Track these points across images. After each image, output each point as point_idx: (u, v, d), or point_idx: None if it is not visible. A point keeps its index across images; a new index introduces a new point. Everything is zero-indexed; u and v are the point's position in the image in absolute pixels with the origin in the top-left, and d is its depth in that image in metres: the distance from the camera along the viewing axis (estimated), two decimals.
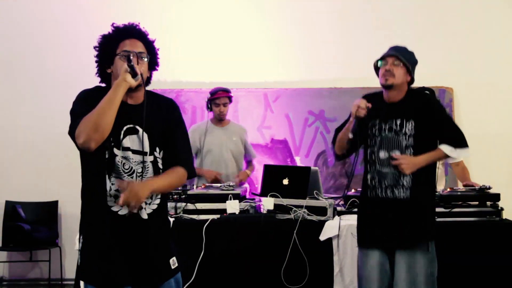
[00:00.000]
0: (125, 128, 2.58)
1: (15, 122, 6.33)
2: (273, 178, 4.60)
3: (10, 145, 6.33)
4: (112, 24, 2.68)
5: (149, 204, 2.64)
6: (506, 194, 4.41)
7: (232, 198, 4.37)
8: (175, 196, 4.46)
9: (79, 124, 2.46)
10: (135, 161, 2.59)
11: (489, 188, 4.33)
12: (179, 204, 4.39)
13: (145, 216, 2.61)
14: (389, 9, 6.40)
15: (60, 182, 6.24)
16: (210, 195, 4.47)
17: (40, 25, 6.38)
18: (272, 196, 4.39)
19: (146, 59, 2.63)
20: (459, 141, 3.39)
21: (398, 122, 3.35)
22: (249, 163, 5.49)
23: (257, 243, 4.22)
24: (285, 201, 4.34)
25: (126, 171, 2.58)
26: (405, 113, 3.35)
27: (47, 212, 6.16)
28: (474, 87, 6.26)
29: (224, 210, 4.33)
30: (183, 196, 4.46)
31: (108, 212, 2.57)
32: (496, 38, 6.32)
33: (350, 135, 3.34)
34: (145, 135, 2.60)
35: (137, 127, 2.59)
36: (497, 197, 4.28)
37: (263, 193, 4.52)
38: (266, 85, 6.37)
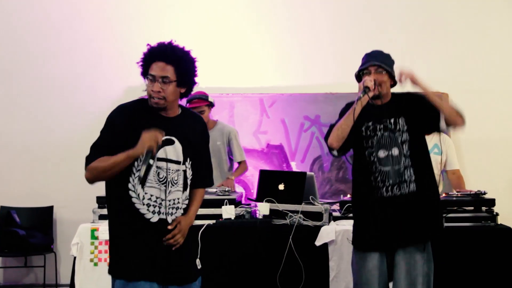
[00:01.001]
0: (162, 139, 2.74)
1: (11, 127, 6.32)
2: (268, 183, 4.60)
3: (5, 150, 6.31)
4: (148, 45, 2.86)
5: (179, 209, 2.87)
6: (501, 199, 4.43)
7: (227, 203, 4.37)
8: None
9: (91, 163, 2.72)
10: (171, 170, 2.81)
11: (484, 193, 4.33)
12: None
13: (170, 221, 2.82)
14: (384, 15, 6.43)
15: (55, 188, 6.23)
16: (206, 200, 4.43)
17: (37, 30, 6.39)
18: (267, 201, 4.39)
19: (169, 82, 2.78)
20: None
21: (392, 120, 3.39)
22: (239, 163, 5.39)
23: (252, 249, 4.22)
24: (280, 206, 4.34)
25: (161, 180, 2.79)
26: (395, 111, 3.40)
27: (42, 218, 6.14)
28: (469, 92, 6.27)
29: (220, 216, 4.33)
30: None
31: (141, 219, 2.77)
32: (492, 43, 6.35)
33: (361, 94, 3.28)
34: (180, 146, 2.83)
35: (173, 138, 2.81)
36: (492, 202, 4.29)
37: (259, 198, 4.52)
38: (262, 90, 6.38)
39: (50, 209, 6.18)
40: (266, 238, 4.22)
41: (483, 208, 4.30)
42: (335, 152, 3.47)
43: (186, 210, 2.89)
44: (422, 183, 3.34)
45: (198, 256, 3.07)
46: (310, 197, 4.42)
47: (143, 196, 2.76)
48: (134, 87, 6.28)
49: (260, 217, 4.36)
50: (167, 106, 2.81)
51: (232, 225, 4.27)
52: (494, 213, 4.27)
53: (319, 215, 4.28)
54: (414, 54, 6.27)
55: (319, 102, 6.32)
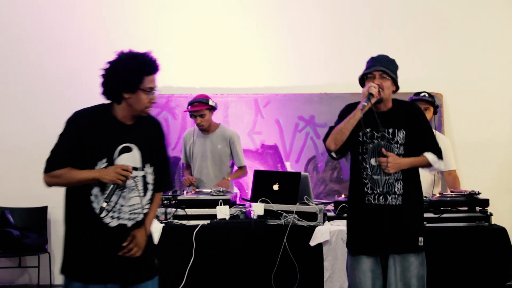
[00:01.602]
0: (120, 147, 2.83)
1: (5, 127, 6.30)
2: (263, 184, 4.61)
3: None
4: (134, 55, 2.88)
5: (140, 214, 2.89)
6: (495, 200, 4.45)
7: (222, 204, 4.37)
8: (165, 202, 4.46)
9: (55, 170, 2.79)
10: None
11: (478, 193, 4.35)
12: (169, 210, 4.39)
13: (129, 225, 2.86)
14: (379, 15, 6.44)
15: (50, 188, 6.19)
16: (200, 201, 4.47)
17: (32, 29, 6.36)
18: (262, 201, 4.39)
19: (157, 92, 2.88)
20: (440, 154, 3.46)
21: (390, 130, 3.40)
22: (239, 168, 5.43)
23: (247, 249, 4.22)
24: (275, 207, 4.35)
25: (120, 186, 2.78)
26: (396, 122, 3.41)
27: (36, 218, 6.12)
28: (464, 93, 6.30)
29: (215, 216, 4.33)
30: (173, 201, 4.46)
31: (99, 223, 2.80)
32: (486, 44, 6.36)
33: (365, 103, 3.27)
34: (138, 152, 2.87)
35: (131, 145, 2.85)
36: (486, 202, 4.31)
37: (253, 199, 4.52)
38: (256, 91, 6.38)
39: (44, 210, 6.16)
40: (260, 238, 4.23)
41: (477, 208, 4.31)
42: (333, 154, 3.49)
43: (145, 213, 2.92)
44: (408, 197, 3.38)
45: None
46: (305, 197, 4.43)
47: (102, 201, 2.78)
48: None
49: (255, 217, 4.37)
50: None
51: (226, 225, 4.28)
52: (488, 213, 4.28)
53: (313, 215, 4.29)
54: (410, 54, 6.29)
55: (314, 102, 6.33)
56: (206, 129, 5.28)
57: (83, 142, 2.79)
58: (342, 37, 6.42)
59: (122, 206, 2.83)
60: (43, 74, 6.33)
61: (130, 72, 2.81)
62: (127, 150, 2.84)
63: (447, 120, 6.26)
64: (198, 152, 5.30)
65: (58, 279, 5.87)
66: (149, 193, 2.93)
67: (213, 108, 5.26)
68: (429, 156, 3.40)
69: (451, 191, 4.59)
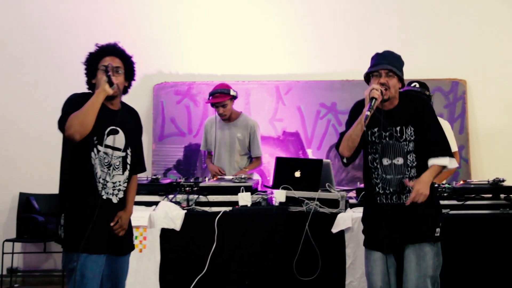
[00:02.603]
0: (108, 129, 3.18)
1: (28, 115, 6.37)
2: (285, 171, 4.60)
3: (23, 137, 6.36)
4: (96, 44, 3.30)
5: (121, 190, 3.26)
6: None
7: (244, 191, 4.37)
8: (187, 189, 4.48)
9: (68, 120, 3.04)
10: (114, 156, 3.19)
11: (503, 180, 4.30)
12: (191, 197, 4.40)
13: (115, 201, 3.23)
14: (402, 1, 6.37)
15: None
16: (222, 188, 4.47)
17: (52, 18, 6.40)
18: (284, 188, 4.38)
19: (121, 72, 3.23)
20: (449, 150, 3.40)
21: (398, 129, 3.37)
22: (254, 158, 5.41)
23: (269, 236, 4.23)
24: (297, 194, 4.34)
25: (105, 164, 3.16)
26: (403, 119, 3.37)
27: None
28: (488, 79, 6.22)
29: (236, 203, 4.34)
30: (195, 188, 4.48)
31: (96, 195, 3.13)
32: (511, 30, 6.28)
33: (368, 112, 3.24)
34: (123, 135, 3.24)
35: (118, 128, 3.22)
36: (510, 190, 4.25)
37: (275, 186, 4.52)
38: (278, 78, 6.37)
39: None
40: (282, 225, 4.23)
41: (502, 196, 4.27)
42: (345, 160, 3.49)
43: (126, 191, 3.27)
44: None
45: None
46: (327, 184, 4.42)
47: (99, 175, 3.15)
48: (150, 75, 6.34)
49: (277, 204, 4.37)
50: (116, 95, 3.21)
51: (248, 212, 4.28)
52: None
53: (335, 202, 4.28)
54: (432, 41, 6.22)
55: (336, 89, 6.30)
56: (228, 118, 5.30)
57: None
58: (364, 24, 6.37)
59: (107, 182, 3.17)
60: (65, 62, 6.36)
61: (89, 59, 3.28)
62: (115, 132, 3.21)
63: (470, 107, 6.19)
64: (219, 140, 5.32)
65: None
66: (126, 173, 3.28)
67: (234, 98, 5.27)
68: (442, 161, 3.34)
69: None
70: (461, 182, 4.45)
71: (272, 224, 4.23)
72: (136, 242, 4.21)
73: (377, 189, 3.40)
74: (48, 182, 6.26)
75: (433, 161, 3.35)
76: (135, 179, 3.43)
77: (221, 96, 5.21)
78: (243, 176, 4.60)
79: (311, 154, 6.24)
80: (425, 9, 6.33)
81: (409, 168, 3.35)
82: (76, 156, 3.15)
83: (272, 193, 4.53)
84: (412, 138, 3.35)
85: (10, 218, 6.18)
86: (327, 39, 6.37)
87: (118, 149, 3.21)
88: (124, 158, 3.26)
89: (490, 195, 4.28)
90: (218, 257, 4.19)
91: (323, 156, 6.17)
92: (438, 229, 3.36)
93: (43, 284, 6.19)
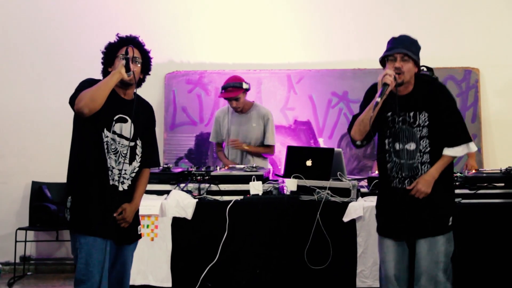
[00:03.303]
0: (117, 116, 3.17)
1: (40, 105, 6.39)
2: (296, 160, 4.60)
3: (36, 126, 6.39)
4: (117, 34, 3.31)
5: (127, 179, 3.24)
6: None
7: (255, 179, 4.38)
8: (199, 178, 4.49)
9: (79, 94, 3.05)
10: (121, 144, 3.18)
11: None
12: (202, 185, 4.42)
13: (121, 189, 3.21)
14: None
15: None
16: (233, 176, 4.48)
17: (65, 12, 6.40)
18: (295, 177, 4.39)
19: (139, 64, 3.24)
20: (464, 136, 3.37)
21: (412, 114, 3.34)
22: (266, 146, 5.34)
23: (280, 224, 4.24)
24: (308, 183, 4.34)
25: (113, 150, 3.16)
26: (418, 105, 3.33)
27: None
28: (501, 68, 6.17)
29: (248, 191, 4.34)
30: (207, 177, 4.48)
31: (102, 180, 3.15)
32: None
33: (378, 99, 3.21)
34: (131, 125, 3.21)
35: (127, 117, 3.20)
36: None
37: (286, 175, 4.52)
38: (289, 67, 6.34)
39: None
40: (293, 214, 4.23)
41: None
42: (358, 143, 3.45)
43: (133, 182, 3.26)
44: (436, 181, 3.32)
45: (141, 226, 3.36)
46: (338, 173, 4.41)
47: (106, 160, 3.14)
48: (161, 63, 6.33)
49: (288, 193, 4.37)
50: (131, 84, 3.20)
51: (259, 201, 4.29)
52: None
53: (346, 191, 4.28)
54: (444, 28, 6.17)
55: (347, 78, 6.27)
56: (241, 110, 5.28)
57: None
58: (375, 12, 6.32)
59: (113, 168, 3.15)
60: (77, 53, 6.38)
61: (108, 48, 3.30)
62: (123, 120, 3.19)
63: (483, 95, 6.14)
64: (233, 132, 5.30)
65: None
66: (135, 163, 3.26)
67: (246, 90, 5.25)
68: (451, 151, 3.33)
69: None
70: (473, 171, 4.43)
71: (283, 213, 4.23)
72: (147, 230, 4.24)
73: (391, 173, 3.39)
74: (60, 171, 6.24)
75: (447, 152, 3.34)
76: (147, 173, 3.40)
77: (233, 90, 5.17)
78: (254, 165, 4.60)
79: (322, 143, 6.23)
80: None
81: (421, 154, 3.33)
82: (84, 140, 3.16)
83: (283, 182, 4.53)
84: (426, 124, 3.32)
85: (23, 206, 6.22)
86: (339, 28, 6.33)
87: (125, 138, 3.19)
88: (133, 148, 3.24)
89: (503, 184, 4.25)
90: (230, 245, 4.21)
91: (334, 145, 6.15)
92: (451, 218, 3.35)
93: (55, 272, 6.24)
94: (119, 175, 3.17)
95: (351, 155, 6.16)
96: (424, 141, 3.33)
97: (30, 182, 6.20)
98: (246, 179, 4.40)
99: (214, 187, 4.41)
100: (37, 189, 6.11)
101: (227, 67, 6.18)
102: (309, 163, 4.50)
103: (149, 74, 3.37)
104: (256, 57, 6.31)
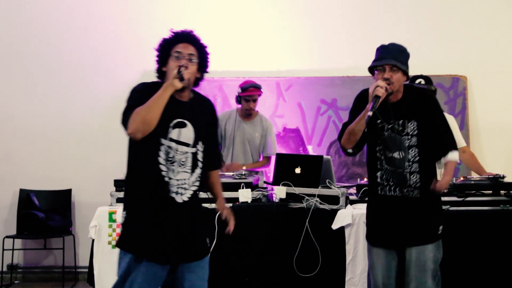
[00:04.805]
0: (174, 122, 2.88)
1: (29, 111, 6.36)
2: (285, 167, 4.60)
3: (23, 133, 6.36)
4: (171, 30, 3.00)
5: (188, 189, 2.93)
6: None
7: (244, 187, 4.37)
8: None
9: (130, 116, 2.75)
10: (179, 152, 2.89)
11: (503, 177, 4.30)
12: None
13: (179, 201, 2.89)
14: None
15: (74, 171, 6.28)
16: (222, 184, 4.45)
17: (53, 13, 6.39)
18: (284, 185, 4.39)
19: (195, 61, 2.94)
20: (454, 143, 3.42)
21: (400, 122, 3.34)
22: (265, 157, 5.45)
23: (269, 232, 4.23)
24: (297, 190, 4.34)
25: (169, 159, 2.87)
26: (407, 113, 3.34)
27: (60, 200, 6.20)
28: (488, 75, 6.21)
29: (237, 199, 4.34)
30: None
31: (157, 193, 2.86)
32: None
33: (370, 113, 3.22)
34: (191, 129, 2.92)
35: (185, 121, 2.91)
36: (510, 186, 4.25)
37: (276, 182, 4.52)
38: (278, 74, 6.35)
39: (68, 192, 6.24)
40: (282, 222, 4.23)
41: (502, 192, 4.26)
42: (349, 151, 3.45)
43: (196, 191, 2.97)
44: (426, 189, 3.33)
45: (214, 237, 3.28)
46: (327, 180, 4.41)
47: (163, 171, 2.86)
48: (151, 70, 6.27)
49: (277, 200, 4.37)
50: (187, 86, 2.90)
51: (248, 209, 4.28)
52: None
53: (335, 199, 4.28)
54: (432, 36, 6.21)
55: (336, 85, 6.29)
56: (251, 114, 5.37)
57: None
58: (364, 20, 6.35)
59: (170, 179, 2.87)
60: (66, 58, 6.37)
61: (162, 45, 2.98)
62: (182, 125, 2.91)
63: (471, 103, 6.17)
64: (239, 139, 5.37)
65: (83, 260, 5.94)
66: (198, 171, 2.96)
67: (260, 94, 5.39)
68: (454, 156, 3.36)
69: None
70: (461, 178, 4.44)
71: (273, 221, 4.23)
72: None
73: (381, 181, 3.38)
74: (48, 178, 6.29)
75: (450, 158, 3.35)
76: (216, 174, 3.18)
77: (255, 90, 5.31)
78: (243, 173, 4.60)
79: (311, 150, 6.24)
80: (425, 4, 6.32)
81: (410, 163, 3.33)
82: (139, 150, 2.88)
83: (272, 189, 4.53)
84: (415, 133, 3.32)
85: (10, 214, 6.19)
86: (328, 35, 6.36)
87: (185, 144, 2.90)
88: (194, 155, 2.94)
89: (491, 192, 4.27)
90: (218, 253, 4.19)
91: (323, 153, 6.16)
92: (441, 227, 3.36)
93: (43, 281, 6.20)
94: (177, 186, 2.88)
95: (340, 162, 6.18)
96: (413, 150, 3.33)
97: (17, 189, 6.16)
98: (235, 187, 4.39)
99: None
100: (25, 196, 6.07)
101: (217, 74, 6.17)
102: (298, 170, 4.50)
103: (207, 72, 3.09)
104: (245, 65, 6.32)
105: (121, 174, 4.65)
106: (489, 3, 6.27)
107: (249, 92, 5.29)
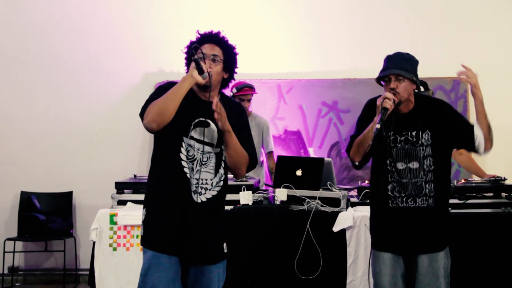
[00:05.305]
0: (196, 120, 2.86)
1: (30, 113, 6.37)
2: (286, 169, 4.60)
3: (25, 136, 6.37)
4: (197, 31, 3.00)
5: (209, 190, 2.89)
6: None
7: (245, 189, 4.37)
8: None
9: (147, 107, 2.77)
10: (200, 151, 2.86)
11: (504, 179, 4.30)
12: None
13: (198, 201, 2.85)
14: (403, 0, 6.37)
15: (75, 173, 6.29)
16: None
17: (54, 16, 6.41)
18: (285, 187, 4.38)
19: (219, 61, 2.91)
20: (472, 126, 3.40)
21: (414, 133, 3.29)
22: (268, 154, 5.65)
23: (270, 234, 4.23)
24: (298, 192, 4.34)
25: (189, 157, 2.85)
26: (419, 124, 3.30)
27: (61, 203, 6.21)
28: (489, 78, 6.17)
29: (238, 201, 4.33)
30: None
31: (176, 192, 2.84)
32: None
33: (378, 125, 3.19)
34: (215, 129, 2.88)
35: (209, 120, 2.86)
36: (511, 188, 4.25)
37: (276, 184, 4.52)
38: (279, 76, 6.36)
39: (69, 195, 6.24)
40: (283, 224, 4.22)
41: (503, 194, 4.26)
42: (357, 163, 3.41)
43: (219, 193, 2.92)
44: (440, 198, 3.31)
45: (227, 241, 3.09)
46: (328, 183, 4.41)
47: (184, 170, 2.84)
48: (152, 73, 6.33)
49: (278, 203, 4.36)
50: (212, 86, 2.84)
51: (249, 211, 4.28)
52: None
53: (336, 201, 4.27)
54: (433, 38, 6.21)
55: (337, 87, 6.29)
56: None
57: None
58: (365, 22, 6.36)
59: (190, 178, 2.84)
60: (67, 60, 6.39)
61: (189, 47, 2.95)
62: (205, 124, 2.87)
63: (472, 105, 6.08)
64: None
65: (84, 263, 5.95)
66: (221, 171, 2.93)
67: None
68: (478, 130, 3.36)
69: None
70: (463, 180, 4.44)
71: (273, 223, 4.22)
72: (137, 241, 4.21)
73: (393, 193, 3.33)
74: (49, 180, 6.30)
75: (477, 132, 3.36)
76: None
77: (249, 90, 5.45)
78: (244, 176, 4.60)
79: (312, 152, 6.24)
80: (427, 7, 6.32)
81: (425, 172, 3.29)
82: (161, 147, 2.88)
83: (273, 192, 4.52)
84: (429, 143, 3.28)
85: (12, 217, 6.19)
86: (329, 38, 6.37)
87: (208, 144, 2.87)
88: (218, 155, 2.90)
89: (492, 194, 4.27)
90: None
91: (324, 155, 6.16)
92: (450, 234, 3.35)
93: (44, 283, 6.20)
94: (196, 185, 2.83)
95: (341, 164, 6.18)
96: (428, 160, 3.29)
97: (18, 192, 6.17)
98: (236, 189, 4.38)
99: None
100: (26, 199, 6.09)
101: None
102: (299, 172, 4.50)
103: (236, 73, 3.04)
104: (246, 67, 6.19)
105: (122, 176, 4.71)
106: (490, 6, 6.28)
107: (244, 92, 5.41)
